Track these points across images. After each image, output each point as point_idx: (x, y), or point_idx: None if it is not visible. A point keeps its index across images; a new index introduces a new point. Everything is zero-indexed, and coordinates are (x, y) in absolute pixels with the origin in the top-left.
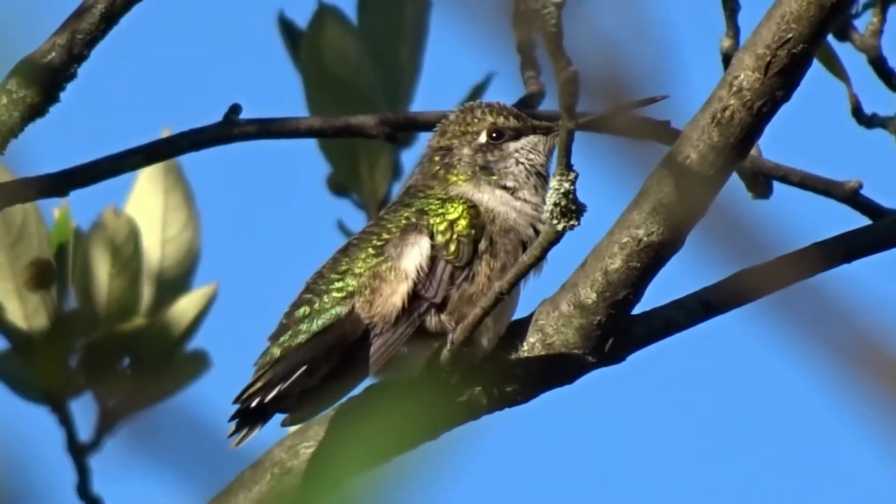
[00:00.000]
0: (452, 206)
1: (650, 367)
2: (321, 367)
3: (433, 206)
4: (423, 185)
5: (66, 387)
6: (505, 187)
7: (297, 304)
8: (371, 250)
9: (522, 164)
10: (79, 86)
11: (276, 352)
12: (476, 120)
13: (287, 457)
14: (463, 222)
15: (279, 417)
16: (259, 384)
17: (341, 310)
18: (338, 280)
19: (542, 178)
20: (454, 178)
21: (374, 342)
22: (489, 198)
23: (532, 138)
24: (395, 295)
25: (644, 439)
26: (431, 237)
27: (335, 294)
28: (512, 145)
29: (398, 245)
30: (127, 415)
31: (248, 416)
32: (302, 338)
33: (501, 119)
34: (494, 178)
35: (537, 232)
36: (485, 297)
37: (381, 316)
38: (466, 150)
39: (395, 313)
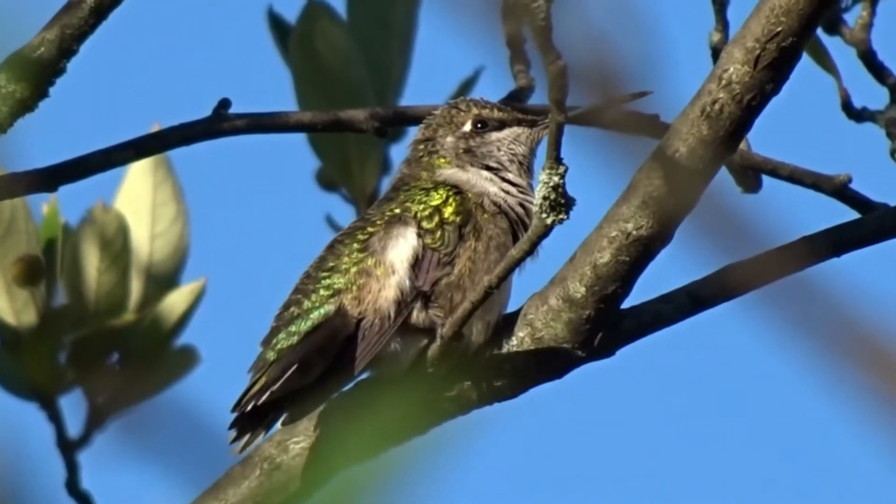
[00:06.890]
0: (437, 193)
1: (639, 362)
2: (315, 366)
3: (418, 196)
4: (408, 177)
5: (56, 383)
6: (488, 167)
7: (286, 306)
8: (356, 245)
9: (504, 151)
10: (68, 81)
11: (270, 355)
12: (461, 112)
13: (276, 452)
14: (448, 209)
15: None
16: (255, 389)
17: (329, 308)
18: (325, 278)
19: (525, 167)
20: (438, 162)
21: (363, 337)
22: (475, 178)
23: (515, 129)
24: (382, 289)
25: (634, 434)
26: (417, 226)
27: (322, 292)
28: (494, 135)
29: (383, 238)
30: (116, 410)
31: (247, 421)
32: (294, 339)
33: (486, 111)
34: (477, 159)
35: (526, 210)
36: (473, 292)
37: (370, 311)
38: (450, 138)
39: (382, 307)
